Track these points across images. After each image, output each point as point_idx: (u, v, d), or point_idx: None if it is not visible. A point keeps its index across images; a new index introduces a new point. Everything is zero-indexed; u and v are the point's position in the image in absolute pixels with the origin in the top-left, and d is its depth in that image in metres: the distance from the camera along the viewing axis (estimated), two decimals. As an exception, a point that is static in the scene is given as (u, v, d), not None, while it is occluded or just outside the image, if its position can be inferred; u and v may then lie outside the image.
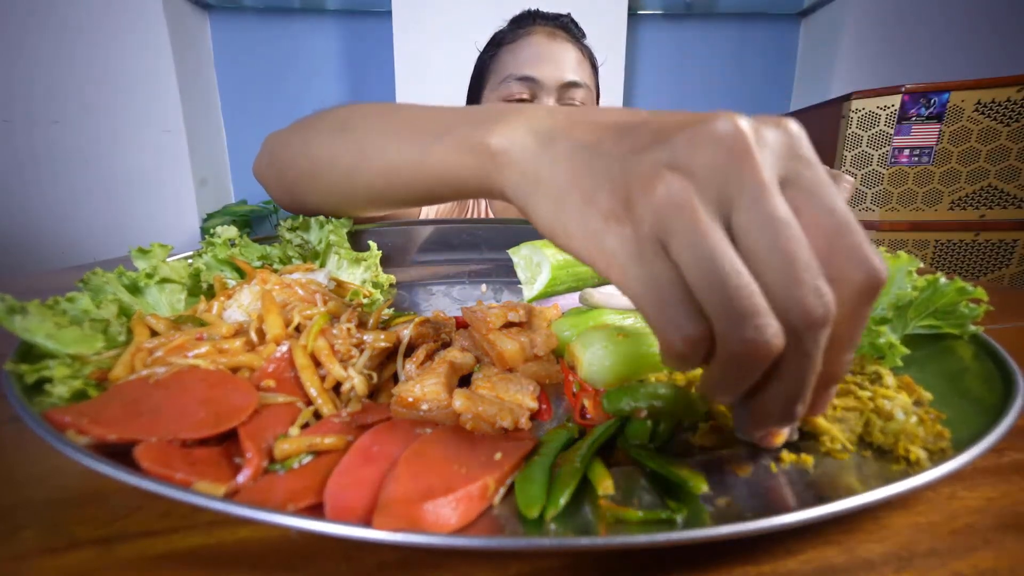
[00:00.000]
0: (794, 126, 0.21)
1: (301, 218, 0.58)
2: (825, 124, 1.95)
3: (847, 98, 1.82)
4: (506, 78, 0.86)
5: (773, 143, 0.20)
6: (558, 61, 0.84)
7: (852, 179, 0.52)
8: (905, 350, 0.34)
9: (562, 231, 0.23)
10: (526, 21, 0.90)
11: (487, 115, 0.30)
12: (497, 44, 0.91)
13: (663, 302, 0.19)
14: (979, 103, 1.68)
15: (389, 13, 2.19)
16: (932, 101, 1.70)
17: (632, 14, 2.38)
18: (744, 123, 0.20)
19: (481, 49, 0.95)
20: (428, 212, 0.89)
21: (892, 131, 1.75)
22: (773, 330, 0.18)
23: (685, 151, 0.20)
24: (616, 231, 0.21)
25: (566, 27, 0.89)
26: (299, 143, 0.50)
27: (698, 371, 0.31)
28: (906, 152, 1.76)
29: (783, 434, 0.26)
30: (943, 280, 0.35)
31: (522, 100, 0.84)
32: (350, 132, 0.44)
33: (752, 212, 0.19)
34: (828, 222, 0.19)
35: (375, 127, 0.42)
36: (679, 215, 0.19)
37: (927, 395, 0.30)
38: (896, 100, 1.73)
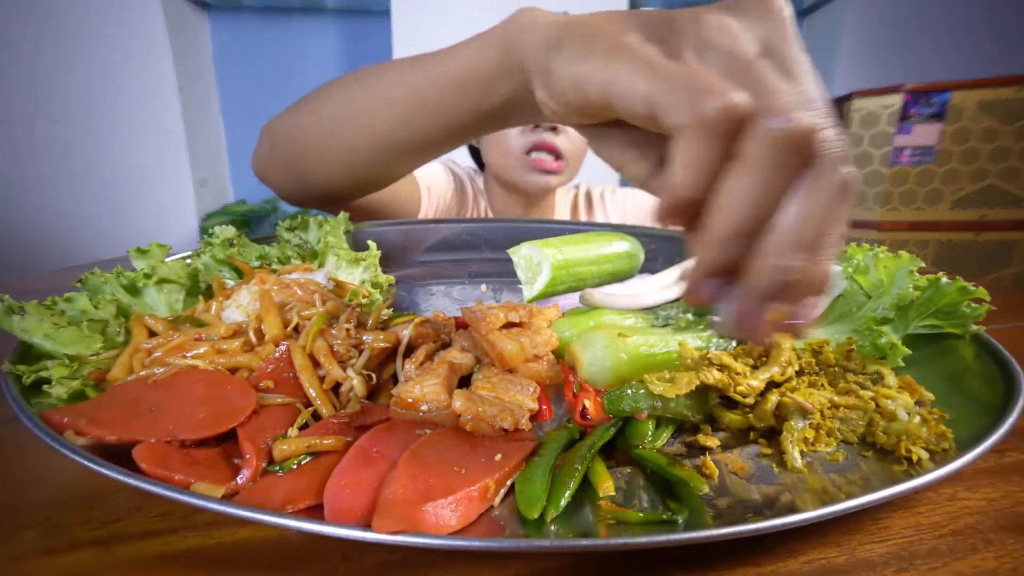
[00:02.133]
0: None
1: (300, 217, 0.58)
2: (825, 124, 1.94)
3: (848, 98, 1.82)
4: None
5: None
6: None
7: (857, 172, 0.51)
8: (906, 350, 0.34)
9: (584, 66, 0.24)
10: None
11: (508, 17, 0.34)
12: None
13: (699, 77, 0.20)
14: (980, 103, 1.68)
15: (389, 13, 2.19)
16: (933, 101, 1.70)
17: (632, 14, 2.38)
18: None
19: None
20: (428, 212, 0.89)
21: (893, 131, 1.75)
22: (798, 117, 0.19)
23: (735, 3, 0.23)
24: (651, 49, 0.22)
25: None
26: (304, 113, 0.50)
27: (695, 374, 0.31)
28: (907, 152, 1.76)
29: (782, 310, 0.21)
30: (944, 280, 0.35)
31: None
32: (364, 76, 0.45)
33: (781, 50, 0.22)
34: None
35: (392, 66, 0.43)
36: (718, 36, 0.22)
37: (928, 395, 0.30)
38: (897, 100, 1.73)
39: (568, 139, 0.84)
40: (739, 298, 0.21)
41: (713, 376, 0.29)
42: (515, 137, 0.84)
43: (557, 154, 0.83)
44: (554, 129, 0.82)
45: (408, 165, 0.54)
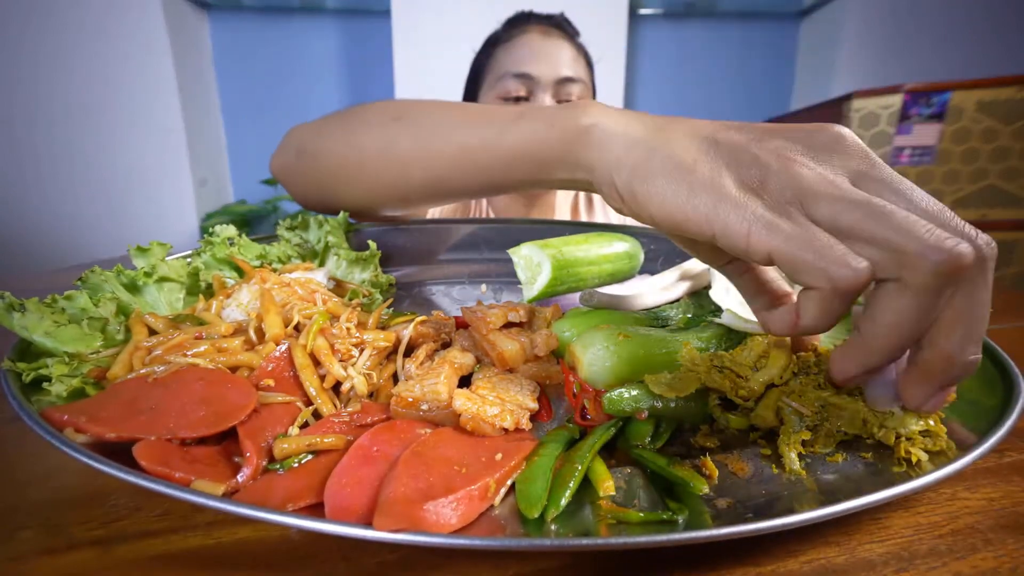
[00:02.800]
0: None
1: (300, 217, 0.58)
2: (825, 124, 1.94)
3: (848, 98, 1.82)
4: (503, 76, 0.87)
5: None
6: (553, 58, 0.85)
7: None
8: None
9: (684, 206, 0.25)
10: (520, 21, 0.91)
11: (571, 105, 0.33)
12: (492, 44, 0.92)
13: (823, 246, 0.22)
14: (980, 103, 1.68)
15: (388, 13, 2.19)
16: (933, 101, 1.70)
17: (632, 14, 2.38)
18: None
19: (476, 51, 0.96)
20: (434, 212, 0.89)
21: (893, 131, 1.75)
22: (961, 244, 0.21)
23: (808, 140, 0.25)
24: (755, 201, 0.24)
25: (560, 25, 0.90)
26: (342, 133, 0.49)
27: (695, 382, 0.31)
28: (907, 152, 1.76)
29: (952, 391, 0.26)
30: None
31: (519, 98, 0.85)
32: (408, 120, 0.44)
33: (878, 177, 0.23)
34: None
35: (439, 116, 0.42)
36: (821, 185, 0.23)
37: None
38: (897, 100, 1.73)
39: None
40: (915, 383, 0.24)
41: (715, 379, 0.29)
42: None
43: None
44: None
45: (440, 204, 0.54)
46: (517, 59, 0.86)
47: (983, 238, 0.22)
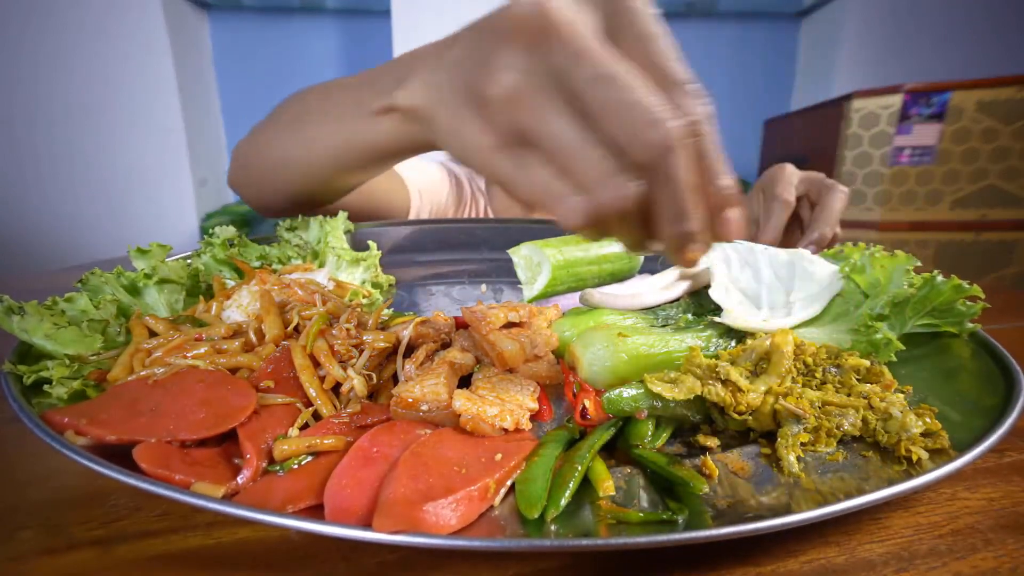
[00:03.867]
0: None
1: (300, 218, 0.58)
2: (826, 124, 1.95)
3: (848, 98, 1.82)
4: None
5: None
6: None
7: (846, 189, 0.54)
8: (900, 345, 0.34)
9: (459, 154, 0.27)
10: None
11: (390, 77, 0.36)
12: None
13: (545, 188, 0.23)
14: (980, 103, 1.68)
15: (389, 13, 2.19)
16: (933, 101, 1.70)
17: (632, 14, 2.38)
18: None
19: None
20: (421, 212, 0.89)
21: (893, 131, 1.75)
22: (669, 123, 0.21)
23: (498, 49, 0.23)
24: (487, 138, 0.24)
25: None
26: (258, 146, 0.54)
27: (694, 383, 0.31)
28: (907, 152, 1.76)
29: (696, 251, 0.25)
30: (940, 278, 0.35)
31: None
32: (296, 127, 0.49)
33: (581, 78, 0.22)
34: (656, 63, 0.23)
35: (313, 117, 0.46)
36: (519, 108, 0.23)
37: (894, 381, 0.30)
38: (897, 100, 1.73)
39: None
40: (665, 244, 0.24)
41: (716, 393, 0.29)
42: None
43: None
44: None
45: (361, 180, 0.57)
46: None
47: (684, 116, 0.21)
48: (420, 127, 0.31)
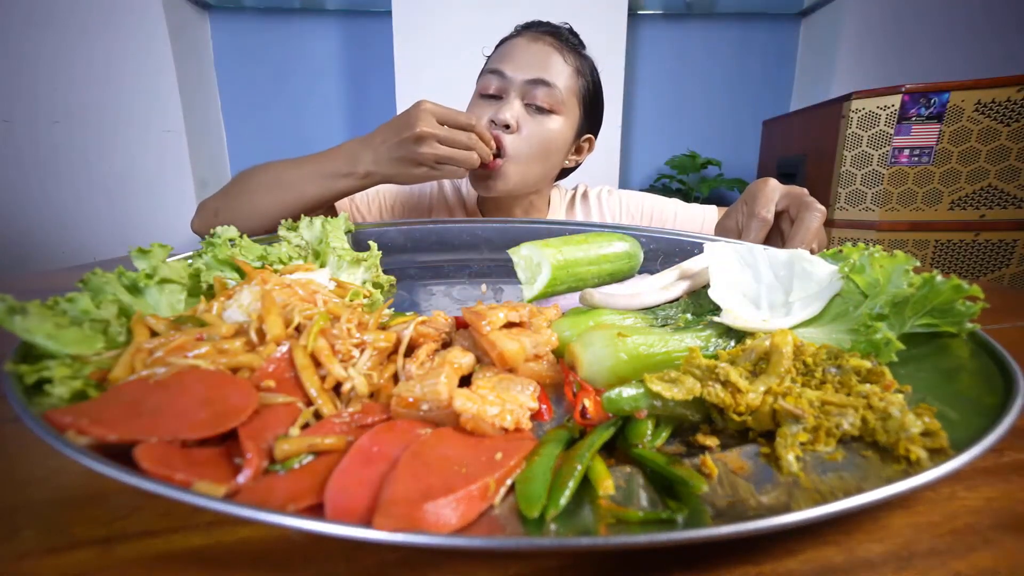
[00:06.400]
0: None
1: (302, 217, 0.59)
2: (825, 124, 1.95)
3: (847, 98, 1.82)
4: (484, 72, 0.90)
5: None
6: (529, 61, 0.86)
7: (823, 208, 0.59)
8: (901, 345, 0.34)
9: (398, 181, 0.76)
10: (524, 27, 0.93)
11: (352, 158, 0.75)
12: (497, 45, 0.95)
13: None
14: (979, 103, 1.68)
15: (389, 13, 2.19)
16: (932, 101, 1.70)
17: (632, 14, 2.38)
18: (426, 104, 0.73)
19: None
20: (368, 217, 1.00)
21: (892, 131, 1.75)
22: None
23: (400, 123, 0.72)
24: (407, 168, 0.74)
25: (556, 34, 0.90)
26: (236, 198, 0.80)
27: (693, 386, 0.31)
28: (906, 152, 1.76)
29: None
30: (939, 278, 0.35)
31: (493, 95, 0.87)
32: (282, 186, 0.77)
33: (447, 120, 0.72)
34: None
35: (295, 178, 0.76)
36: (420, 144, 0.71)
37: (894, 382, 0.30)
38: (896, 100, 1.73)
39: (518, 138, 0.84)
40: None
41: (716, 394, 0.29)
42: None
43: (500, 152, 0.83)
44: (507, 127, 0.83)
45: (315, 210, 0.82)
46: (497, 57, 0.89)
47: None
48: (370, 180, 0.75)
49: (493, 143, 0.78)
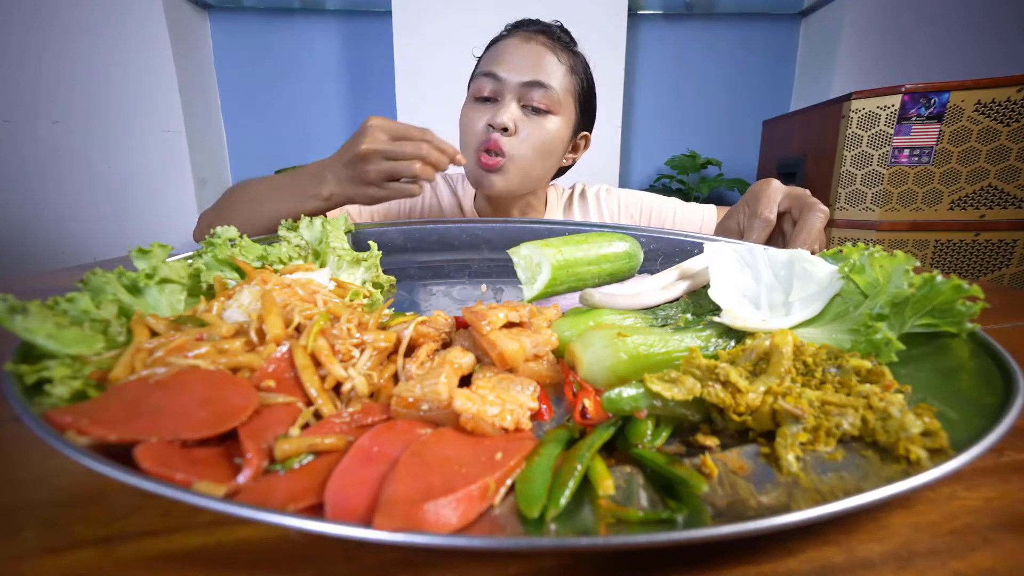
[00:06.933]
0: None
1: (302, 217, 0.59)
2: (825, 124, 1.95)
3: (847, 98, 1.82)
4: (477, 75, 0.89)
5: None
6: (523, 62, 0.85)
7: (826, 209, 0.59)
8: (901, 345, 0.34)
9: (358, 201, 0.72)
10: (515, 26, 0.92)
11: (317, 179, 0.72)
12: (488, 46, 0.94)
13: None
14: (979, 103, 1.68)
15: (389, 13, 2.19)
16: (932, 101, 1.70)
17: (632, 14, 2.38)
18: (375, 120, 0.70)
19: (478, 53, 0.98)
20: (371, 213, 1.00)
21: (892, 131, 1.75)
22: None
23: (353, 142, 0.69)
24: (361, 187, 0.70)
25: (548, 33, 0.89)
26: (228, 211, 0.82)
27: (693, 384, 0.31)
28: (906, 152, 1.76)
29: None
30: (939, 278, 0.35)
31: (487, 98, 0.86)
32: (262, 204, 0.77)
33: (394, 134, 0.68)
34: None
35: (271, 198, 0.76)
36: (368, 160, 0.68)
37: (894, 382, 0.30)
38: (896, 100, 1.73)
39: (517, 140, 0.84)
40: None
41: (716, 395, 0.29)
42: (475, 139, 0.86)
43: (499, 152, 0.83)
44: (505, 130, 0.83)
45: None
46: (490, 59, 0.88)
47: None
48: (333, 202, 0.71)
49: (451, 151, 0.69)
